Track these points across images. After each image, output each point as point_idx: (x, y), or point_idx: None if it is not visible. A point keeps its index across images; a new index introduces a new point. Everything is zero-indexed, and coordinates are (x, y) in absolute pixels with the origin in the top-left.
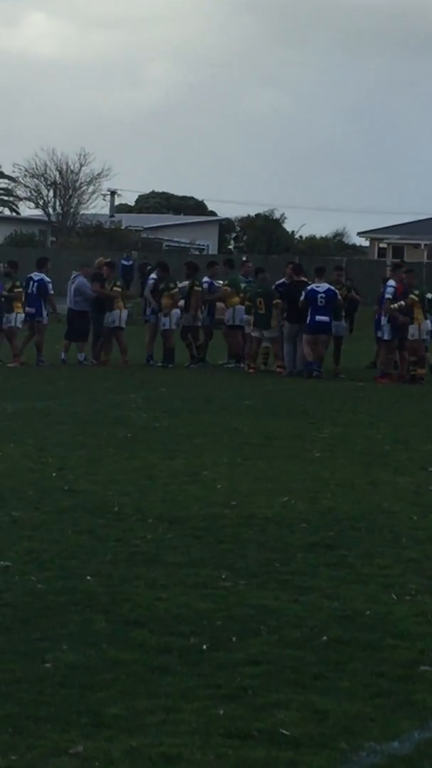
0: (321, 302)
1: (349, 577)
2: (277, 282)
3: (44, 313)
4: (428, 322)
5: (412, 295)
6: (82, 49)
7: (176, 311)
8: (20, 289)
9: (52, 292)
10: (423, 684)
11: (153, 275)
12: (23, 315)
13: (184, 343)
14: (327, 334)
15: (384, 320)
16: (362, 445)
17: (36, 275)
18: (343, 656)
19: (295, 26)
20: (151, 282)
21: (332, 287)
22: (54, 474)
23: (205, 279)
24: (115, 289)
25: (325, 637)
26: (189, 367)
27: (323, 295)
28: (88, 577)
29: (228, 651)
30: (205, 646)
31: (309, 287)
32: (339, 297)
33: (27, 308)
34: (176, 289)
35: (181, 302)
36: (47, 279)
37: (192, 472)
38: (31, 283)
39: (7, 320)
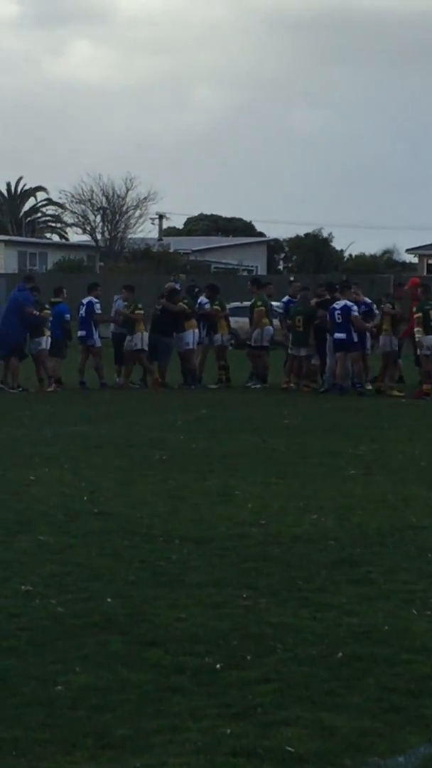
0: (338, 319)
1: (371, 594)
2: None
3: (95, 335)
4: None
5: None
6: (126, 75)
7: (195, 331)
8: (48, 311)
9: (99, 311)
10: None
11: (202, 298)
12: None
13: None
14: (350, 351)
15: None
16: (398, 462)
17: (86, 299)
18: (357, 672)
19: (340, 44)
20: (207, 306)
21: (349, 303)
22: (85, 497)
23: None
24: (138, 312)
25: (340, 654)
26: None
27: (339, 312)
28: (109, 599)
29: (241, 669)
30: (218, 666)
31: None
32: (355, 314)
33: (79, 331)
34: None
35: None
36: (95, 301)
37: (224, 492)
38: (81, 306)
39: (37, 344)
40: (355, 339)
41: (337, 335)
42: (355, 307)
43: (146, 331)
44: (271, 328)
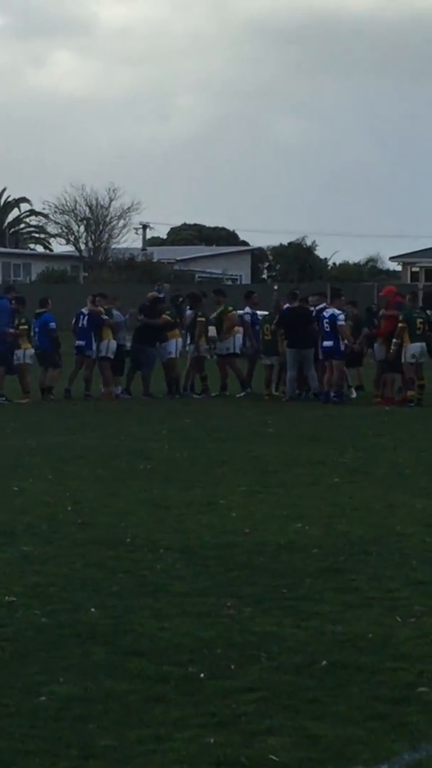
0: (326, 327)
1: (355, 601)
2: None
3: (93, 346)
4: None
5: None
6: (109, 85)
7: (178, 340)
8: (26, 327)
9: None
10: (418, 706)
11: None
12: (32, 351)
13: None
14: (334, 359)
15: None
16: (383, 470)
17: (86, 309)
18: (341, 680)
19: (322, 54)
20: (190, 313)
21: (336, 312)
22: (69, 508)
23: (247, 309)
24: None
25: (324, 662)
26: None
27: (327, 320)
28: (93, 609)
29: (225, 679)
30: (202, 675)
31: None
32: (341, 323)
33: (77, 341)
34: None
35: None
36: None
37: (208, 502)
38: (81, 316)
39: (17, 357)
40: (342, 347)
41: (326, 343)
42: (342, 316)
43: (114, 340)
44: (240, 335)
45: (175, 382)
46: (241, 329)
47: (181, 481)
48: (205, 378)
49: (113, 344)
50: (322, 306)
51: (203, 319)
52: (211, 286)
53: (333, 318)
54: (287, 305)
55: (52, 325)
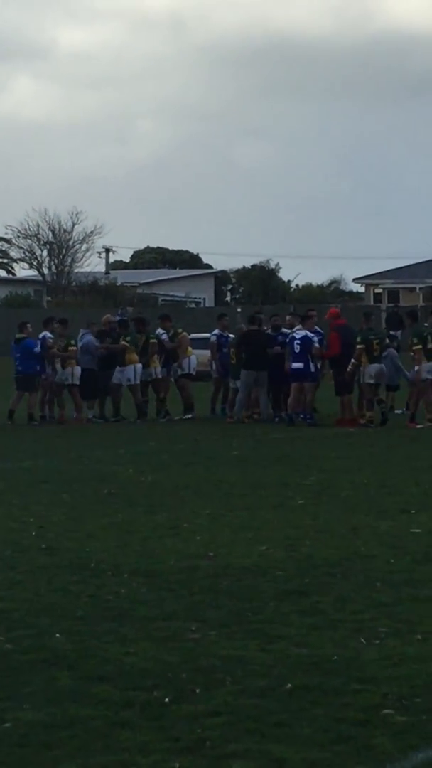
0: (297, 349)
1: (320, 624)
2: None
3: (48, 370)
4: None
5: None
6: (69, 110)
7: (137, 365)
8: (74, 347)
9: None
10: (383, 728)
11: (159, 330)
12: (79, 370)
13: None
14: (305, 382)
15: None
16: (347, 491)
17: (41, 334)
18: (306, 703)
19: (279, 77)
20: (164, 337)
21: (310, 334)
22: (33, 532)
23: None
24: (71, 348)
25: (289, 685)
26: (158, 420)
27: (299, 341)
28: (57, 635)
29: (190, 703)
30: (167, 699)
31: (291, 334)
32: (316, 344)
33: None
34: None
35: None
36: (49, 335)
37: (173, 525)
38: (36, 341)
39: (65, 377)
40: (312, 369)
41: (295, 365)
42: (316, 339)
43: (78, 366)
44: (194, 357)
45: (142, 405)
46: (210, 351)
47: (145, 504)
48: (162, 400)
49: (78, 370)
50: (297, 327)
51: (155, 341)
52: (174, 309)
53: (306, 340)
54: (244, 327)
55: (37, 349)
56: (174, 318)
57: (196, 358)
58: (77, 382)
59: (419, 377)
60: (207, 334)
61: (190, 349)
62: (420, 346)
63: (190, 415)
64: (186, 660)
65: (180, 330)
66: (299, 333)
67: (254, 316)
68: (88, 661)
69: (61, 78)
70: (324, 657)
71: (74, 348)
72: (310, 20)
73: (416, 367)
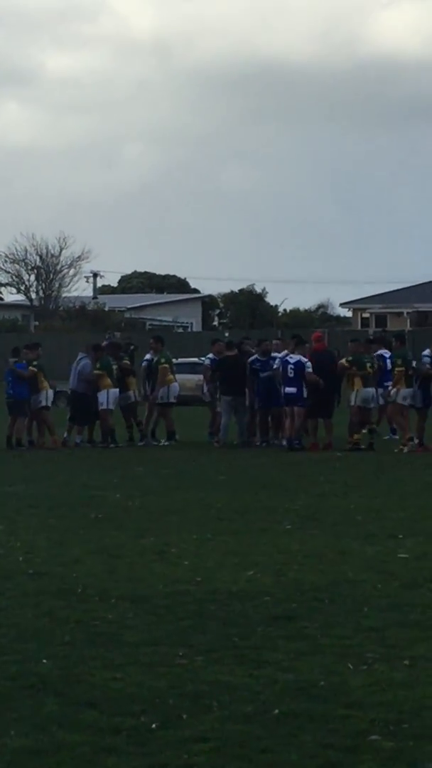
0: (291, 374)
1: (307, 649)
2: (251, 359)
3: (41, 395)
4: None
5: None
6: (56, 135)
7: (110, 390)
8: (100, 371)
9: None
10: (370, 754)
11: (147, 355)
12: (116, 392)
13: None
14: (297, 406)
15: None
16: (334, 516)
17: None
18: (293, 729)
19: (267, 102)
20: (145, 363)
21: (303, 359)
22: (20, 557)
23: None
24: (31, 369)
25: (276, 711)
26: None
27: (293, 366)
28: (44, 660)
29: (177, 729)
30: (154, 725)
31: (284, 358)
32: (309, 369)
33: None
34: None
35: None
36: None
37: (160, 550)
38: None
39: (100, 403)
40: (304, 395)
41: (288, 389)
42: (309, 364)
43: (51, 389)
44: (176, 384)
45: (110, 432)
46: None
47: (132, 529)
48: (138, 423)
49: (51, 393)
50: (284, 353)
51: (128, 363)
52: (162, 334)
53: (300, 365)
54: (223, 353)
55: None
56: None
57: (177, 384)
58: (49, 405)
59: (388, 394)
60: (195, 359)
61: (170, 377)
62: (402, 369)
63: (169, 442)
64: (173, 685)
65: (163, 360)
66: (293, 358)
67: (231, 342)
68: (75, 687)
69: (49, 103)
70: (311, 682)
71: (34, 370)
72: (297, 45)
73: (391, 388)
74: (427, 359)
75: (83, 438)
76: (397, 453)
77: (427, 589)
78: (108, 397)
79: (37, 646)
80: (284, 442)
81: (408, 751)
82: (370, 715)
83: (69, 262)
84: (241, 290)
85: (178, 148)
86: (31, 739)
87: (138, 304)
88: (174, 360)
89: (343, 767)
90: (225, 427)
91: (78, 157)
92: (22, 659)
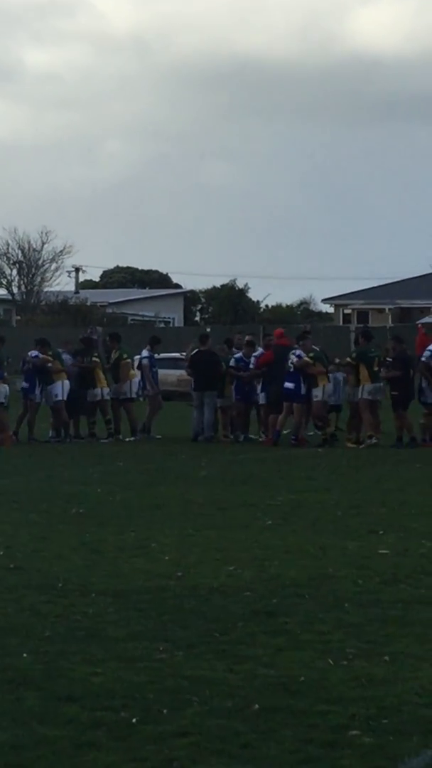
0: (290, 368)
1: (288, 644)
2: (236, 355)
3: (37, 390)
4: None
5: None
6: (37, 130)
7: (64, 382)
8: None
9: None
10: (350, 749)
11: (144, 352)
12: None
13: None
14: (294, 402)
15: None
16: (315, 512)
17: (32, 353)
18: (274, 724)
19: (247, 99)
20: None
21: (303, 354)
22: (1, 552)
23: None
24: None
25: (256, 706)
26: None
27: (293, 362)
28: (25, 655)
29: (158, 723)
30: (134, 720)
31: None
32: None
33: (23, 383)
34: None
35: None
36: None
37: (141, 545)
38: (28, 358)
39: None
40: (303, 391)
41: (287, 384)
42: (300, 353)
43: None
44: (138, 379)
45: (64, 426)
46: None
47: (113, 524)
48: (108, 421)
49: (6, 388)
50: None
51: (98, 359)
52: (143, 329)
53: (299, 359)
54: (197, 349)
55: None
56: (141, 338)
57: (141, 379)
58: (3, 401)
59: (350, 389)
60: (177, 354)
61: (132, 372)
62: (355, 363)
63: (134, 438)
64: (153, 680)
65: (125, 356)
66: (296, 352)
67: (203, 336)
68: (56, 682)
69: (29, 99)
70: (291, 678)
71: None
72: (275, 43)
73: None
74: (428, 353)
75: (69, 433)
76: (363, 448)
77: (408, 585)
78: (62, 388)
79: (17, 640)
80: (261, 437)
81: (388, 747)
82: (350, 711)
83: (51, 257)
84: (223, 285)
85: (159, 144)
86: (10, 734)
87: (120, 299)
88: (156, 355)
89: (323, 762)
90: (196, 421)
91: (59, 152)
92: (2, 654)
